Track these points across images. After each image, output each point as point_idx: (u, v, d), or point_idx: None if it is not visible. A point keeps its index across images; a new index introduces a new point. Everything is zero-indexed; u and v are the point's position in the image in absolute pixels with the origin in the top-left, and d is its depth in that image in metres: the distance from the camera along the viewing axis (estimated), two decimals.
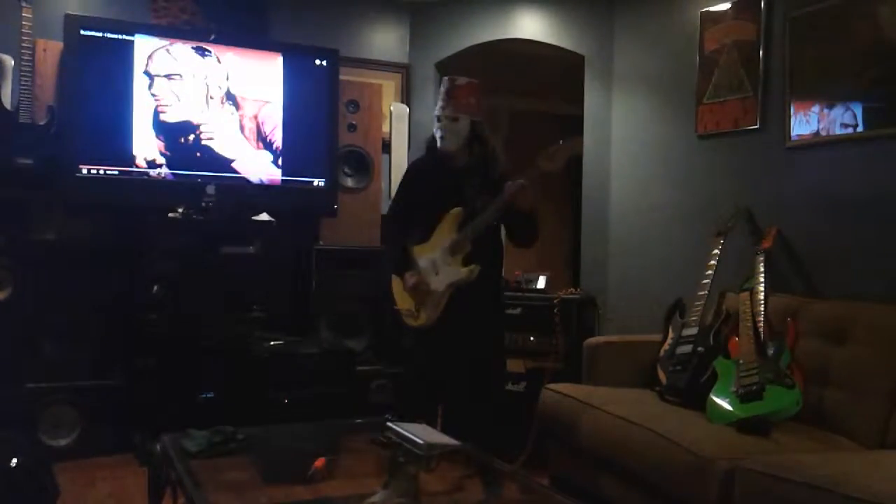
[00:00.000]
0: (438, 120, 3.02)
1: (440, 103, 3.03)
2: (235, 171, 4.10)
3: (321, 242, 4.38)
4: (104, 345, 3.80)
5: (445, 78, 3.11)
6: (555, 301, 3.94)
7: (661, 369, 3.11)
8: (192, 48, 4.01)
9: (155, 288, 3.70)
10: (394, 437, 2.42)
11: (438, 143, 3.03)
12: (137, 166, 3.88)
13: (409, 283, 3.00)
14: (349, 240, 4.41)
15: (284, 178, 4.21)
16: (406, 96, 4.95)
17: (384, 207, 4.60)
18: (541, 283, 4.12)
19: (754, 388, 2.63)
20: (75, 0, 4.06)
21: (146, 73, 3.90)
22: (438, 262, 2.97)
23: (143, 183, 3.89)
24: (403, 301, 3.11)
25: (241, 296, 3.94)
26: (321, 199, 4.29)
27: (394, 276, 3.14)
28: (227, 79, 4.08)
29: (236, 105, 4.11)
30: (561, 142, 2.78)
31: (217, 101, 4.06)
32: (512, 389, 3.81)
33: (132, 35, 3.87)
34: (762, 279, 3.01)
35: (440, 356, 3.02)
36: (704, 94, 3.74)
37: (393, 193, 4.48)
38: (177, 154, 3.96)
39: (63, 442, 3.61)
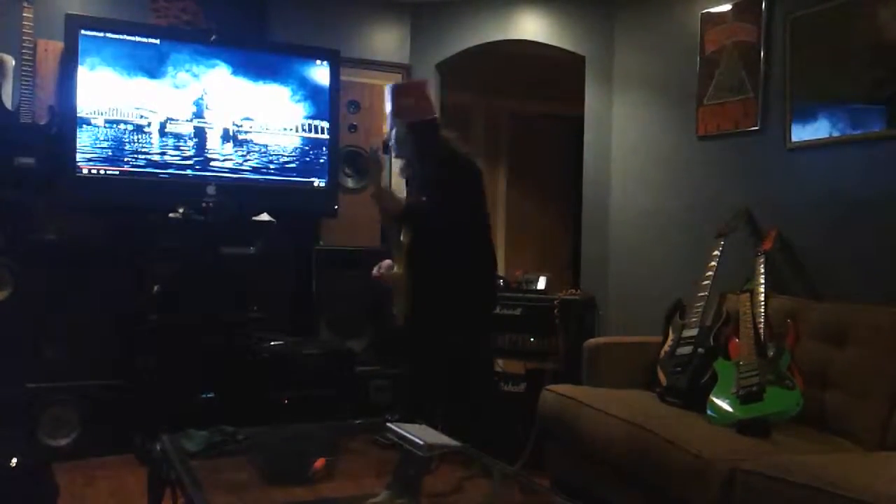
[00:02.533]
0: None
1: None
2: (236, 172, 4.10)
3: (321, 243, 4.38)
4: (104, 345, 3.80)
5: None
6: (555, 302, 3.94)
7: (661, 370, 3.10)
8: (193, 48, 4.00)
9: (155, 288, 3.70)
10: (394, 438, 2.43)
11: None
12: (138, 166, 3.88)
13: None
14: (349, 240, 4.42)
15: (285, 178, 4.20)
16: None
17: None
18: (541, 283, 4.12)
19: (754, 389, 2.63)
20: (76, 0, 4.06)
21: (146, 73, 3.90)
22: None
23: (143, 183, 3.89)
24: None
25: (241, 296, 3.93)
26: (321, 199, 4.29)
27: None
28: (228, 79, 4.08)
29: (237, 105, 4.10)
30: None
31: (217, 102, 4.06)
32: (511, 390, 3.81)
33: (133, 35, 3.87)
34: (762, 280, 3.01)
35: (415, 358, 3.07)
36: (705, 96, 3.74)
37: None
38: (177, 154, 3.96)
39: (63, 442, 3.61)
